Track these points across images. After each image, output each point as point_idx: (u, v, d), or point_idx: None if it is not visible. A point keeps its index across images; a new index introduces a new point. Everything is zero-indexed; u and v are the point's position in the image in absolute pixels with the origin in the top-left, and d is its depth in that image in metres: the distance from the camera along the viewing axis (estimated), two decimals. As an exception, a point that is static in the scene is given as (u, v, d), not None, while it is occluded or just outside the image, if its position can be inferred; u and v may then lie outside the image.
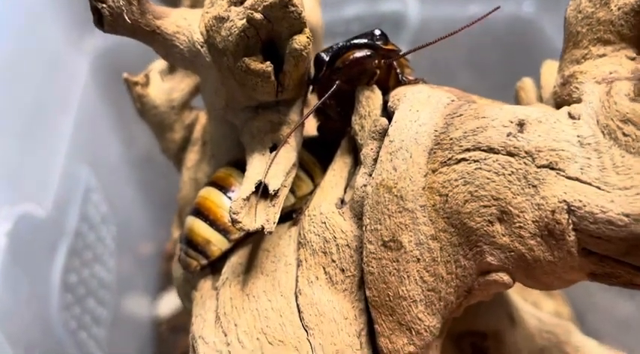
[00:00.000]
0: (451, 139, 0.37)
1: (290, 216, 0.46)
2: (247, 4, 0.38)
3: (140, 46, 0.43)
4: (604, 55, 0.40)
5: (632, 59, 0.39)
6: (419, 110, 0.38)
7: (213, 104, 0.46)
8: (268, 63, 0.39)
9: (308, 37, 0.38)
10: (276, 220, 0.39)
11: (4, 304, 0.55)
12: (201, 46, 0.41)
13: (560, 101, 0.42)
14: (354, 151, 0.43)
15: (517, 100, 0.53)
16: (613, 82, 0.37)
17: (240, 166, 0.46)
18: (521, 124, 0.36)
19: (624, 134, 0.34)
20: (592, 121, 0.36)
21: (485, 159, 0.36)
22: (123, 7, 0.38)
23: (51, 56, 0.75)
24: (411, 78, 0.45)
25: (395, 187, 0.37)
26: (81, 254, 0.71)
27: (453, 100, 0.39)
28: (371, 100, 0.42)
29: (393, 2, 0.85)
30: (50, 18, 0.75)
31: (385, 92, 0.43)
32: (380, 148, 0.40)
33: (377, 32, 0.43)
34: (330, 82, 0.42)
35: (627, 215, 0.33)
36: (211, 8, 0.40)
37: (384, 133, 0.40)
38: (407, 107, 0.39)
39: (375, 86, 0.42)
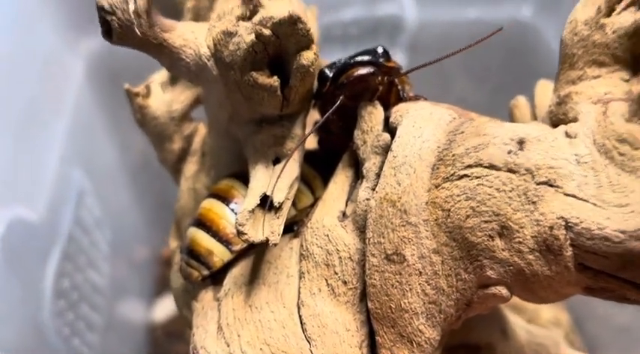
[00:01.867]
0: (453, 155, 0.38)
1: (291, 228, 0.46)
2: (256, 19, 0.39)
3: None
4: (599, 76, 0.41)
5: (626, 81, 0.41)
6: (422, 127, 0.39)
7: (217, 117, 0.46)
8: (275, 78, 0.40)
9: (315, 54, 0.39)
10: (281, 232, 0.40)
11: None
12: (208, 60, 0.41)
13: (556, 120, 0.44)
14: (356, 165, 0.44)
15: (511, 118, 0.54)
16: (609, 103, 0.39)
17: (242, 178, 0.47)
18: (521, 142, 0.37)
19: (620, 153, 0.36)
20: (588, 141, 0.37)
21: (486, 175, 0.37)
22: (132, 20, 0.38)
23: (46, 58, 0.75)
24: (411, 95, 0.46)
25: (399, 202, 0.38)
26: (74, 259, 0.70)
27: (454, 118, 0.40)
28: (373, 115, 0.43)
29: (390, 5, 0.84)
30: (46, 20, 0.75)
31: (386, 108, 0.44)
32: (382, 162, 0.41)
33: (380, 50, 0.44)
34: (334, 97, 0.43)
35: (623, 232, 0.34)
36: (219, 22, 0.41)
37: (386, 148, 0.41)
38: (410, 123, 0.40)
39: (377, 102, 0.43)
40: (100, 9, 0.38)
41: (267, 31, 0.38)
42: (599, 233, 0.35)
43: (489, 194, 0.37)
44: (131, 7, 0.38)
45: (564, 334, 0.71)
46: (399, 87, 0.45)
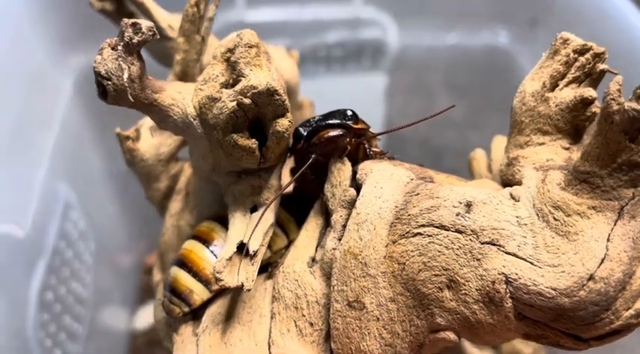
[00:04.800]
0: (409, 215, 0.43)
1: (266, 268, 0.51)
2: (237, 88, 0.43)
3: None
4: (543, 143, 0.46)
5: (567, 149, 0.46)
6: (382, 187, 0.44)
7: (200, 167, 0.51)
8: (254, 140, 0.44)
9: (290, 121, 0.43)
10: (255, 278, 0.44)
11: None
12: (194, 119, 0.46)
13: (505, 180, 0.49)
14: (326, 214, 0.49)
15: (470, 169, 0.59)
16: (548, 171, 0.44)
17: (222, 221, 0.51)
18: (468, 205, 0.42)
19: (555, 218, 0.41)
20: (529, 204, 0.42)
21: (437, 234, 0.42)
22: (126, 86, 0.43)
23: (35, 74, 0.76)
24: (377, 150, 0.51)
25: (360, 255, 0.42)
26: (58, 272, 0.72)
27: (412, 179, 0.45)
28: (342, 171, 0.47)
29: (373, 30, 0.89)
30: (34, 35, 0.77)
31: (355, 163, 0.49)
32: (348, 215, 0.45)
33: (349, 113, 0.48)
34: (307, 154, 0.47)
35: (554, 289, 0.39)
36: (205, 86, 0.45)
37: (352, 203, 0.45)
38: (373, 183, 0.44)
39: (345, 159, 0.48)
40: (97, 74, 0.43)
41: (247, 100, 0.42)
42: (535, 289, 0.39)
43: (439, 251, 0.41)
44: (125, 74, 0.42)
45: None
46: (366, 145, 0.49)
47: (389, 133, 0.50)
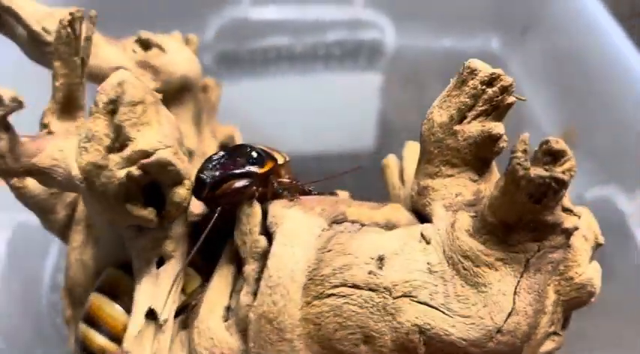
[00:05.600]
0: (322, 275, 0.42)
1: (182, 311, 0.49)
2: (125, 154, 0.39)
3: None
4: (452, 175, 0.46)
5: (475, 181, 0.46)
6: (293, 246, 0.42)
7: (96, 221, 0.47)
8: (150, 210, 0.41)
9: (188, 189, 0.40)
10: (167, 346, 0.43)
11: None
12: (80, 182, 0.41)
13: (415, 207, 0.48)
14: (237, 260, 0.47)
15: (383, 176, 0.58)
16: (458, 212, 0.43)
17: (129, 269, 0.48)
18: (381, 259, 0.41)
19: (464, 268, 0.41)
20: (440, 250, 0.42)
21: (351, 294, 0.41)
22: (-3, 163, 0.38)
23: None
24: (286, 181, 0.48)
25: (275, 320, 0.41)
26: None
27: (323, 229, 0.44)
28: (251, 218, 0.45)
29: (372, 31, 0.93)
30: None
31: (265, 199, 0.47)
32: (260, 268, 0.44)
33: (254, 154, 0.45)
34: (212, 204, 0.44)
35: (465, 340, 0.40)
36: (88, 147, 0.40)
37: (264, 254, 0.44)
38: (283, 240, 0.43)
39: (254, 203, 0.46)
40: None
41: (137, 172, 0.38)
42: (447, 339, 0.40)
43: (354, 311, 0.41)
44: (-8, 153, 0.37)
45: None
46: (275, 185, 0.47)
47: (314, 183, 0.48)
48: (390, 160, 0.57)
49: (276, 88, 0.94)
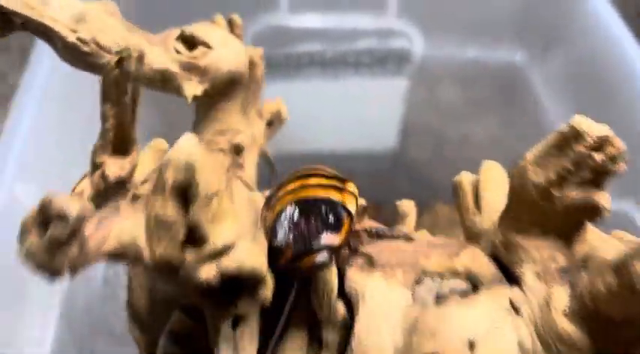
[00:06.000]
0: (411, 360, 0.40)
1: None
2: (204, 253, 0.36)
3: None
4: (544, 237, 0.43)
5: (568, 245, 0.42)
6: (379, 325, 0.41)
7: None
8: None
9: (270, 289, 0.38)
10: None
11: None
12: (153, 270, 0.39)
13: (498, 255, 0.46)
14: (311, 323, 0.45)
15: (454, 196, 0.55)
16: (553, 287, 0.41)
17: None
18: (472, 345, 0.40)
19: (559, 351, 0.39)
20: (531, 326, 0.41)
21: (440, 381, 0.40)
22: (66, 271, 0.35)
23: None
24: (360, 238, 0.45)
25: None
26: None
27: (409, 303, 0.42)
28: (327, 284, 0.43)
29: (401, 40, 0.97)
30: None
31: (340, 259, 0.44)
32: (342, 337, 0.43)
33: (330, 219, 0.42)
34: (289, 273, 0.42)
35: None
36: (160, 243, 0.37)
37: (344, 325, 0.42)
38: (366, 320, 0.41)
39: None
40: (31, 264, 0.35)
41: (215, 280, 0.36)
42: None
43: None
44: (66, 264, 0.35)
45: None
46: (351, 244, 0.44)
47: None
48: (464, 177, 0.54)
49: (308, 91, 0.99)
